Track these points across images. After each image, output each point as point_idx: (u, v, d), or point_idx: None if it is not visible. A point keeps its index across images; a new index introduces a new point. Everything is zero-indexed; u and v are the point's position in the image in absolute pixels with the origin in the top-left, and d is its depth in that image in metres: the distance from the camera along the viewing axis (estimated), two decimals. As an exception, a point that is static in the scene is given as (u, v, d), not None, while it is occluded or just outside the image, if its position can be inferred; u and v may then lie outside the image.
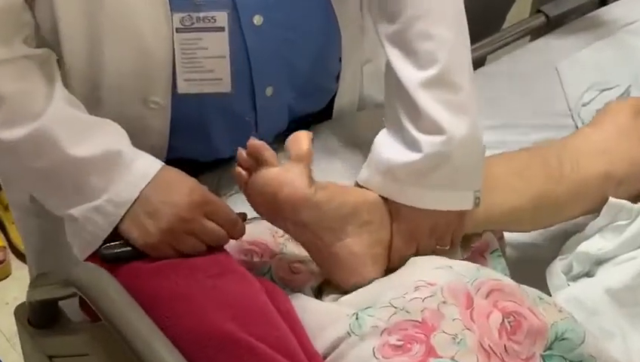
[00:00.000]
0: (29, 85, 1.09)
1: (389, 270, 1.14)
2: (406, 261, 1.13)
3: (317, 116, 1.41)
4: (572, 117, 1.50)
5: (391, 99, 1.16)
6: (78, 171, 1.08)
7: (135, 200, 1.07)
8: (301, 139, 1.10)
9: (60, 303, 1.22)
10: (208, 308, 1.02)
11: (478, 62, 1.66)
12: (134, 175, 1.08)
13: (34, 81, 1.10)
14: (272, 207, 1.09)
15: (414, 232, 1.13)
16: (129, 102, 1.18)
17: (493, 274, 1.10)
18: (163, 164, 1.11)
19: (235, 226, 1.11)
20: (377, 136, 1.18)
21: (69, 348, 1.20)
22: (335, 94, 1.39)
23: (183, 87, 1.17)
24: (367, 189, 1.15)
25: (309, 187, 1.08)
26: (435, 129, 1.11)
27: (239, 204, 1.16)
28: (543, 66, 1.58)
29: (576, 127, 1.48)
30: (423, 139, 1.11)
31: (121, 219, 1.08)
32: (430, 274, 1.08)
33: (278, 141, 1.33)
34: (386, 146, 1.15)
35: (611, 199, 1.24)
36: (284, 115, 1.33)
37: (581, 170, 1.25)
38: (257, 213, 1.12)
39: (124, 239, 1.09)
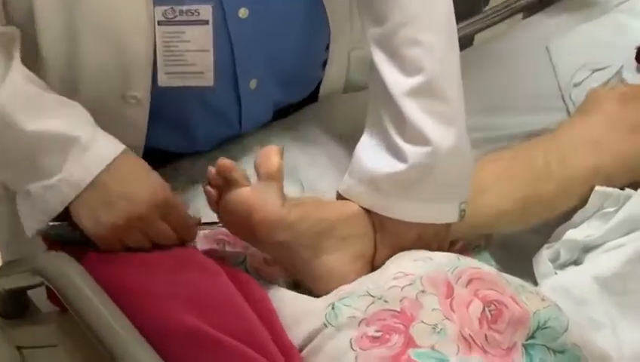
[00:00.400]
0: None
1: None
2: None
3: (301, 101, 1.39)
4: (563, 98, 1.48)
5: (376, 103, 1.15)
6: (32, 147, 1.06)
7: (90, 183, 1.05)
8: (271, 156, 1.08)
9: (31, 292, 1.20)
10: (171, 303, 1.01)
11: (466, 41, 1.64)
12: (90, 158, 1.06)
13: None
14: (246, 229, 1.07)
15: (399, 243, 1.12)
16: (106, 97, 1.17)
17: (474, 263, 1.08)
18: (124, 148, 1.08)
19: (189, 233, 1.10)
20: (359, 143, 1.16)
21: (38, 338, 1.18)
22: (321, 80, 1.37)
23: (163, 81, 1.16)
24: (348, 200, 1.13)
25: (281, 207, 1.07)
26: (420, 140, 1.09)
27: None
28: (533, 45, 1.55)
29: (567, 109, 1.46)
30: (408, 149, 1.09)
31: (75, 201, 1.06)
32: (409, 266, 1.07)
33: (262, 128, 1.33)
34: (369, 155, 1.14)
35: (598, 187, 1.23)
36: (268, 108, 1.31)
37: (569, 167, 1.24)
38: (231, 233, 1.11)
39: (73, 221, 1.07)
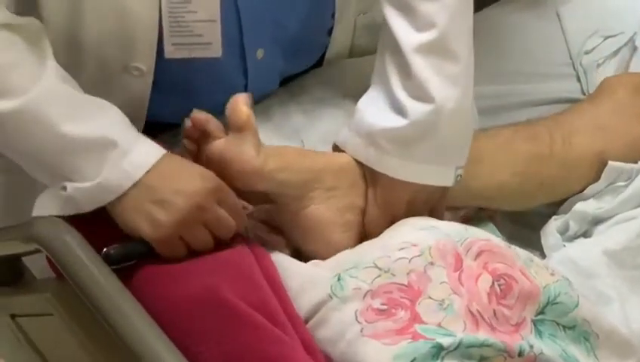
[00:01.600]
0: (14, 56, 1.05)
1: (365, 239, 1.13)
2: (383, 231, 1.12)
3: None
4: (573, 65, 1.47)
5: (383, 57, 1.15)
6: (68, 150, 1.04)
7: (134, 186, 1.03)
8: (238, 105, 1.09)
9: (26, 259, 1.21)
10: (189, 267, 1.02)
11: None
12: (131, 162, 1.04)
13: (20, 53, 1.06)
14: (227, 182, 1.08)
15: (391, 202, 1.12)
16: (109, 67, 1.16)
17: (483, 234, 1.09)
18: (165, 152, 1.07)
19: (240, 216, 1.08)
20: (363, 96, 1.16)
21: (34, 307, 1.19)
22: (326, 47, 1.38)
23: (170, 52, 1.15)
24: (343, 152, 1.14)
25: (256, 157, 1.07)
26: (424, 96, 1.10)
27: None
28: (544, 11, 1.54)
29: (577, 76, 1.46)
30: (411, 105, 1.10)
31: (118, 207, 1.04)
32: (414, 235, 1.07)
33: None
34: (370, 109, 1.14)
35: (611, 162, 1.24)
36: (274, 77, 1.32)
37: (574, 147, 1.25)
38: None
39: (128, 237, 1.05)
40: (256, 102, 1.29)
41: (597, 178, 1.24)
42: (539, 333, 1.02)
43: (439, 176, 1.12)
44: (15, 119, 1.04)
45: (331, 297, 1.02)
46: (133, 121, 1.09)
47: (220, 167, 1.07)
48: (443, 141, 1.11)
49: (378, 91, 1.14)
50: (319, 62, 1.39)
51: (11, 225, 1.15)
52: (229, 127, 1.09)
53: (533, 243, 1.23)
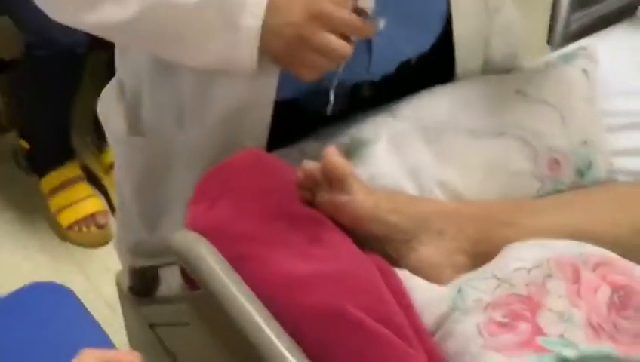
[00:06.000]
0: None
1: None
2: None
3: (438, 77, 1.39)
4: None
5: None
6: (195, 18, 1.15)
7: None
8: (332, 160, 1.15)
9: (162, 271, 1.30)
10: (315, 281, 1.07)
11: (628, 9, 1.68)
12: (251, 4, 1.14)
13: None
14: (342, 226, 1.16)
15: None
16: None
17: (599, 250, 1.13)
18: None
19: (358, 30, 1.14)
20: None
21: (170, 316, 1.27)
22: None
23: None
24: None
25: (367, 200, 1.15)
26: None
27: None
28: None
29: None
30: None
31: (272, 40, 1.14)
32: (529, 252, 1.12)
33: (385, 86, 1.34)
34: None
35: None
36: (393, 53, 1.32)
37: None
38: None
39: None
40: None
41: None
42: (661, 343, 1.06)
43: None
44: (145, 17, 1.16)
45: (453, 310, 1.09)
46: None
47: (333, 214, 1.16)
48: None
49: None
50: (450, 75, 1.39)
51: (148, 239, 1.25)
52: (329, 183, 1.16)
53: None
